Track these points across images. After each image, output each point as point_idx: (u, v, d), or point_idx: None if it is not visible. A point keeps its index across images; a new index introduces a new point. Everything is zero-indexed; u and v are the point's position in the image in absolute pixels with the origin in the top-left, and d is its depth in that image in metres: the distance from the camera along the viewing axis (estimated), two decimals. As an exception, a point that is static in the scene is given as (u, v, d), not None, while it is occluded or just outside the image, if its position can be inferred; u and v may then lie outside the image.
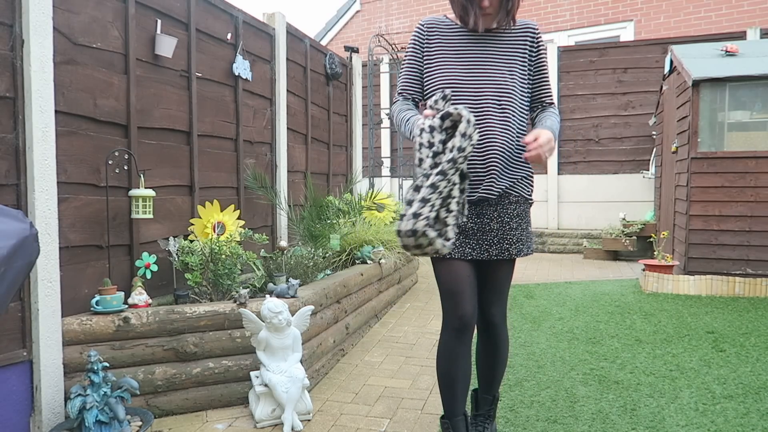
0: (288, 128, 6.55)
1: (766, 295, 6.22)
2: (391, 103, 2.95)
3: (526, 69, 2.82)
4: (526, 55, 2.82)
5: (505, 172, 2.74)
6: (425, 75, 2.83)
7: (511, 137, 2.72)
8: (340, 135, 8.26)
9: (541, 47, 2.87)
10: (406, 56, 2.93)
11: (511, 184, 2.78)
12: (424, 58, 2.83)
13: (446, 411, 2.87)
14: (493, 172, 2.69)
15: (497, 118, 2.68)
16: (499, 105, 2.69)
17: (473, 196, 2.70)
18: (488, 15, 2.70)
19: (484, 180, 2.69)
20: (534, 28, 2.86)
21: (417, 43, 2.86)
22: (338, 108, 8.14)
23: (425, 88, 2.84)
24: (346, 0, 15.83)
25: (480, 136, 2.62)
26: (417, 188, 2.37)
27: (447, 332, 2.82)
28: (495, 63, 2.74)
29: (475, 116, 2.58)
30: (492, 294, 2.91)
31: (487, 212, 2.75)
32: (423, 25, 2.85)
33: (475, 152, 2.63)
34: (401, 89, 2.91)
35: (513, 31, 2.81)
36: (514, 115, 2.73)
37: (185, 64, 4.77)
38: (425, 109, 2.58)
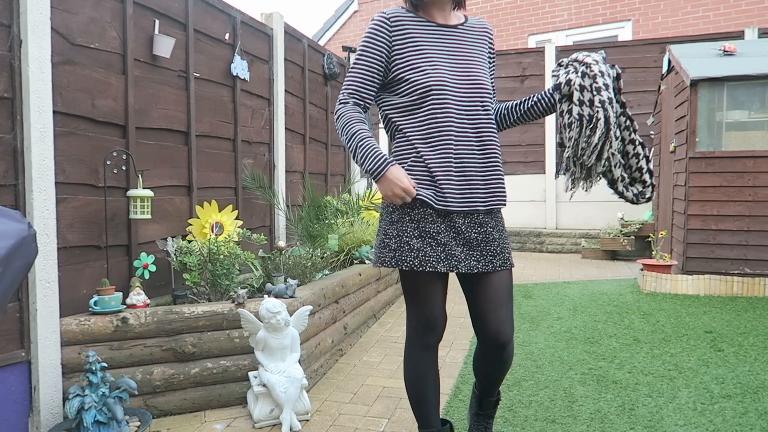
0: (286, 128, 6.56)
1: (765, 295, 6.22)
2: (337, 117, 2.63)
3: (490, 68, 2.78)
4: (487, 54, 2.75)
5: (501, 178, 2.69)
6: (396, 74, 2.58)
7: (497, 139, 2.68)
8: (338, 135, 8.24)
9: (493, 47, 2.81)
10: (363, 51, 2.60)
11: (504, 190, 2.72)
12: (393, 55, 2.57)
13: (422, 424, 2.76)
14: (499, 177, 2.64)
15: (485, 119, 2.61)
16: (483, 106, 2.61)
17: (485, 205, 2.60)
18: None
19: (492, 187, 2.62)
20: (490, 28, 2.80)
21: (381, 37, 2.58)
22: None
23: (398, 88, 2.59)
24: (344, 0, 15.83)
25: (477, 141, 2.58)
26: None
27: (416, 349, 2.72)
28: (473, 61, 2.64)
29: (467, 119, 2.55)
30: (503, 309, 2.67)
31: (488, 221, 2.62)
32: (388, 19, 2.57)
33: (476, 158, 2.58)
34: (354, 89, 2.60)
35: (475, 28, 2.73)
36: (493, 116, 2.68)
37: (183, 65, 4.77)
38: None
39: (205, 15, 5.05)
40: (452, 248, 2.55)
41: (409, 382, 2.77)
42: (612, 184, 2.72)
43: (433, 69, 2.53)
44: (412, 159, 2.56)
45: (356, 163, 2.54)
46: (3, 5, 3.16)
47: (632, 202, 2.74)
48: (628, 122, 2.67)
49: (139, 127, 4.25)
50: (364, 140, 2.51)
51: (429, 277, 2.60)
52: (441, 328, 2.70)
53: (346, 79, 2.64)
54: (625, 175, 2.70)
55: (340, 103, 2.62)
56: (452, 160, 2.53)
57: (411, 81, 2.54)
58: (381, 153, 2.48)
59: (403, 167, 2.57)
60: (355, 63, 2.62)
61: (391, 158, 2.54)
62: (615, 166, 2.65)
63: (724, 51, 7.17)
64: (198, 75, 4.94)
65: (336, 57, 7.98)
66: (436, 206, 2.52)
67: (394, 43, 2.57)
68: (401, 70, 2.56)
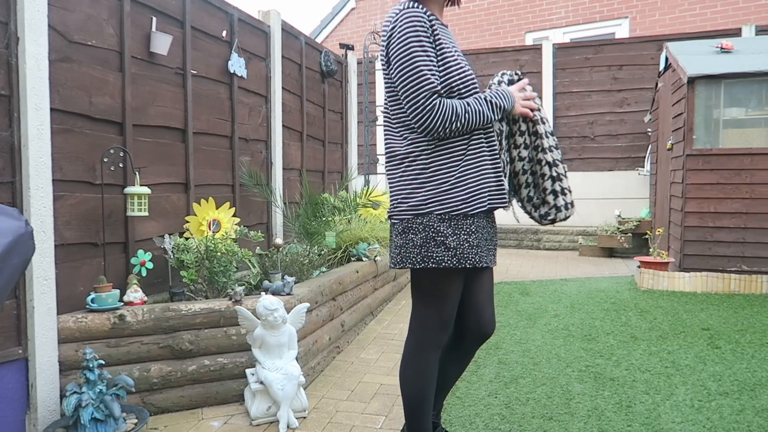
0: (283, 126, 6.55)
1: (762, 292, 6.23)
2: (426, 101, 2.39)
3: None
4: None
5: None
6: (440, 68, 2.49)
7: None
8: (335, 132, 8.26)
9: None
10: (416, 42, 2.42)
11: None
12: (436, 48, 2.48)
13: (418, 427, 2.70)
14: None
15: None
16: None
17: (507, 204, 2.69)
18: None
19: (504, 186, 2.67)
20: None
21: (426, 28, 2.44)
22: (333, 105, 8.13)
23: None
24: (341, -3, 15.83)
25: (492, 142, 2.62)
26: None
27: (429, 350, 2.64)
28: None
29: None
30: (492, 301, 2.77)
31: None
32: (424, 13, 2.45)
33: (495, 158, 2.61)
34: (435, 84, 2.41)
35: None
36: None
37: (180, 62, 4.76)
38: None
39: (203, 12, 5.05)
40: (489, 242, 2.61)
41: (412, 383, 2.68)
42: (521, 203, 2.86)
43: (461, 69, 2.52)
44: (465, 161, 2.51)
45: (492, 116, 2.53)
46: (0, 2, 3.16)
47: (539, 222, 2.81)
48: (537, 141, 2.73)
49: (136, 125, 4.24)
50: (479, 99, 2.51)
51: (462, 275, 2.58)
52: (451, 327, 2.69)
53: (414, 77, 2.41)
54: (533, 196, 2.79)
55: (434, 98, 2.40)
56: (494, 155, 2.62)
57: (457, 73, 2.50)
58: (498, 91, 2.59)
59: (455, 171, 2.50)
60: (415, 58, 2.41)
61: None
62: (522, 187, 2.80)
63: (722, 48, 7.18)
64: (195, 72, 4.94)
65: (333, 54, 7.97)
66: (502, 204, 2.63)
67: (434, 38, 2.48)
68: (442, 66, 2.49)
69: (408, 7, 2.46)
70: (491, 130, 2.61)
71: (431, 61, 2.43)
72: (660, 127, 8.67)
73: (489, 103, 2.50)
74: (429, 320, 2.64)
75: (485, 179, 2.54)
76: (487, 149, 2.57)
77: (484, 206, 2.51)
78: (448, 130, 2.43)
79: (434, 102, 2.40)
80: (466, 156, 2.51)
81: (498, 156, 2.61)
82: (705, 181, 6.51)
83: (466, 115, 2.43)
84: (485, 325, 2.74)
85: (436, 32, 2.48)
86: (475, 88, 2.57)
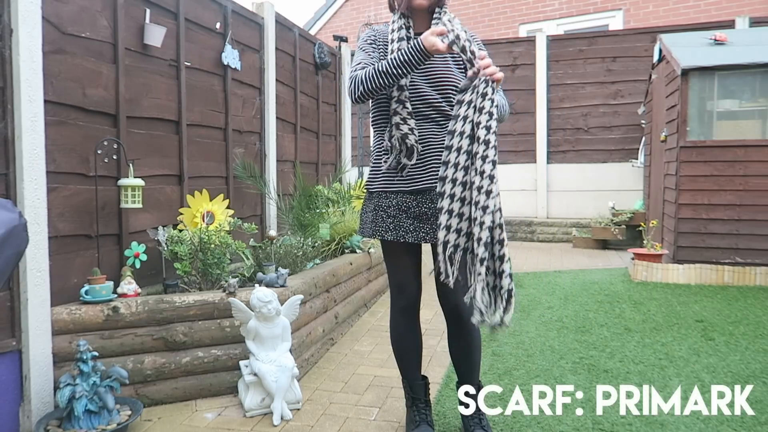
0: (277, 117, 6.54)
1: (755, 284, 6.25)
2: (354, 83, 2.83)
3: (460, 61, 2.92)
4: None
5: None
6: None
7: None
8: (329, 124, 8.24)
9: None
10: (360, 47, 2.97)
11: None
12: (380, 58, 2.91)
13: (403, 373, 3.16)
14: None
15: (442, 113, 2.86)
16: (445, 99, 2.85)
17: (426, 183, 2.86)
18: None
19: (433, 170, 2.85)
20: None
21: (372, 41, 2.96)
22: (327, 97, 8.12)
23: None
24: (335, -11, 15.79)
25: (427, 131, 2.85)
26: None
27: (395, 311, 3.12)
28: (438, 60, 2.87)
29: (427, 113, 2.85)
30: (456, 281, 2.86)
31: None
32: (376, 31, 2.98)
33: (432, 146, 2.86)
34: (364, 65, 2.86)
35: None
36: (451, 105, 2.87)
37: (174, 54, 4.75)
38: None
39: (196, 4, 5.03)
40: (402, 220, 2.88)
41: (392, 340, 3.19)
42: None
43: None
44: (382, 153, 2.98)
45: (398, 75, 2.69)
46: (-8, -7, 3.15)
47: None
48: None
49: (129, 117, 4.23)
50: (382, 63, 2.73)
51: (399, 246, 2.98)
52: (411, 293, 3.07)
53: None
54: None
55: (354, 78, 2.83)
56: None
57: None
58: (403, 49, 2.68)
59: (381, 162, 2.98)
60: (356, 56, 2.98)
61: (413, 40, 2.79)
62: None
63: (715, 40, 7.19)
64: (189, 64, 4.92)
65: (327, 46, 7.95)
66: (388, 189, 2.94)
67: (380, 51, 2.96)
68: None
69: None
70: (391, 129, 2.86)
71: (369, 56, 2.91)
72: (654, 119, 8.68)
73: (390, 62, 2.69)
74: (390, 288, 3.14)
75: (382, 169, 2.95)
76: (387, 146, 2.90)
77: (377, 189, 2.97)
78: (359, 91, 2.78)
79: (354, 73, 2.84)
80: (380, 149, 2.96)
81: (400, 151, 2.87)
82: (699, 173, 6.53)
83: (368, 76, 2.74)
84: (451, 301, 2.95)
85: (386, 46, 2.93)
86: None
